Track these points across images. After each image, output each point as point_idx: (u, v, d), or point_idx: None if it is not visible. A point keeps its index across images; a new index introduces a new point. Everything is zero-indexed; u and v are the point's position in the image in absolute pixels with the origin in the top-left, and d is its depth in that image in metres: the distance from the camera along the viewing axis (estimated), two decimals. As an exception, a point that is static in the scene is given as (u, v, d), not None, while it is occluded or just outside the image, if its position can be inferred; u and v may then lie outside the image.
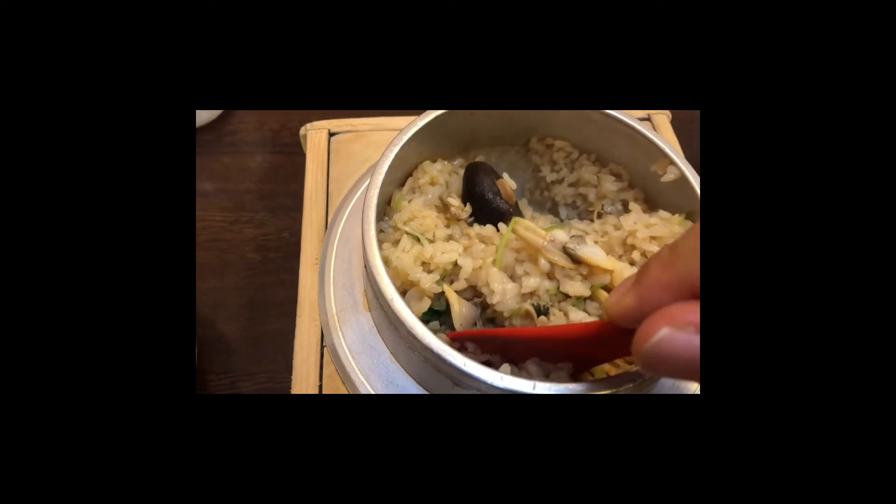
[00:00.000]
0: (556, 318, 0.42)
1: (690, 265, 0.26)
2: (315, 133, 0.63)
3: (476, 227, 0.48)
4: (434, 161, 0.53)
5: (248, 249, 0.73)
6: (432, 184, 0.51)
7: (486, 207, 0.49)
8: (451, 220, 0.48)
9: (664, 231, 0.46)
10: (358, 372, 0.47)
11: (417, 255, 0.44)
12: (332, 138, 0.63)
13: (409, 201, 0.49)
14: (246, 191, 0.77)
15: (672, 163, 0.48)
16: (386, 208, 0.51)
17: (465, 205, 0.50)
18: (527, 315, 0.42)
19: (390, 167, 0.46)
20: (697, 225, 0.27)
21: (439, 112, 0.48)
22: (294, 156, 0.79)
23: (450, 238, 0.47)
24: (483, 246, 0.46)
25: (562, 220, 0.55)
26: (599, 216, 0.53)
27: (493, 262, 0.44)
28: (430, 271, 0.44)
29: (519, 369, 0.42)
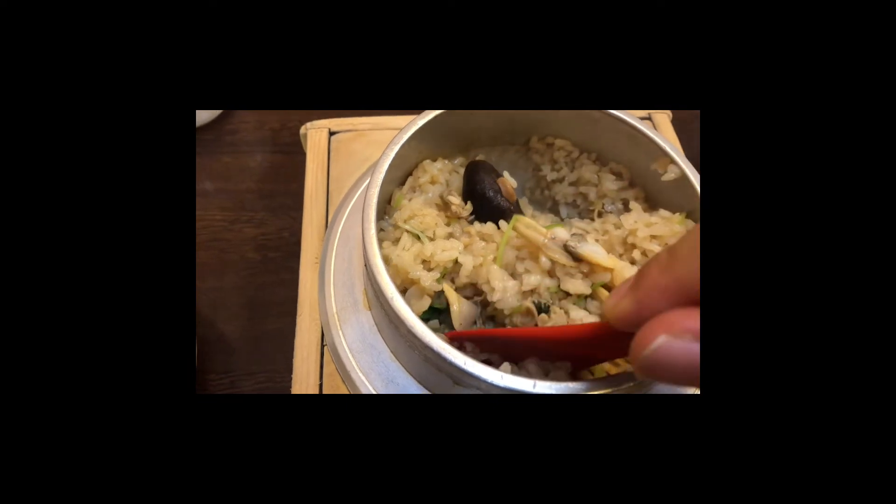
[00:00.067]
0: (557, 316, 0.42)
1: (689, 269, 0.25)
2: (315, 132, 0.63)
3: (477, 224, 0.48)
4: (434, 160, 0.53)
5: (248, 249, 0.73)
6: (433, 182, 0.51)
7: (486, 205, 0.49)
8: (452, 218, 0.48)
9: (665, 230, 0.46)
10: (358, 371, 0.47)
11: (418, 254, 0.44)
12: (333, 137, 0.63)
13: (410, 200, 0.49)
14: (246, 190, 0.77)
15: (672, 161, 0.48)
16: (386, 207, 0.51)
17: (465, 203, 0.50)
18: (527, 313, 0.42)
19: (390, 166, 0.46)
20: (697, 227, 0.26)
21: (439, 111, 0.48)
22: (294, 155, 0.79)
23: (450, 236, 0.47)
24: (484, 244, 0.46)
25: (562, 219, 0.55)
26: (600, 215, 0.53)
27: (494, 260, 0.44)
28: (430, 269, 0.44)
29: (519, 368, 0.42)
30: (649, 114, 0.68)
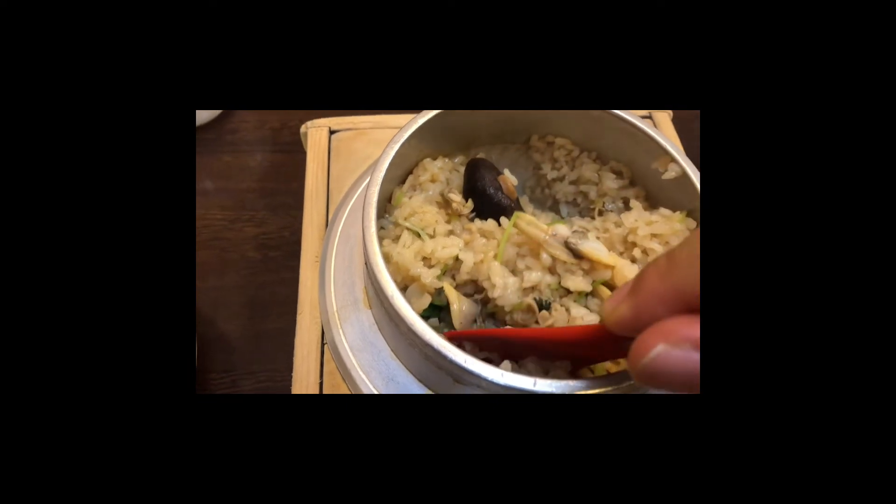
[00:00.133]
0: (558, 313, 0.42)
1: (688, 277, 0.25)
2: (316, 131, 0.63)
3: (477, 222, 0.48)
4: (434, 158, 0.53)
5: (248, 248, 0.73)
6: (433, 181, 0.51)
7: (487, 202, 0.49)
8: (453, 215, 0.48)
9: (665, 228, 0.46)
10: (358, 369, 0.47)
11: (418, 251, 0.44)
12: (333, 136, 0.63)
13: (410, 198, 0.49)
14: (246, 189, 0.77)
15: (673, 160, 0.48)
16: (386, 206, 0.51)
17: (466, 201, 0.50)
18: (528, 309, 0.42)
19: (391, 164, 0.46)
20: (697, 233, 0.26)
21: (439, 110, 0.48)
22: (295, 154, 0.79)
23: (450, 233, 0.47)
24: (484, 240, 0.46)
25: (563, 218, 0.55)
26: (600, 214, 0.53)
27: (495, 257, 0.44)
28: (430, 266, 0.44)
29: (518, 366, 0.42)
30: (650, 112, 0.68)
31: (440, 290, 0.44)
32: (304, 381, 0.48)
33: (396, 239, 0.46)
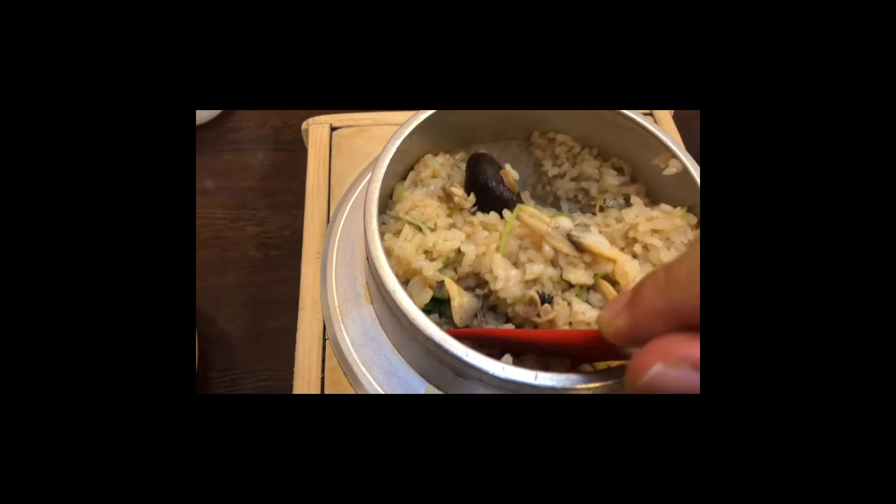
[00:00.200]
0: (560, 307, 0.41)
1: (686, 295, 0.25)
2: (317, 128, 0.63)
3: (479, 214, 0.48)
4: (436, 155, 0.53)
5: (249, 247, 0.73)
6: (434, 177, 0.51)
7: (489, 195, 0.49)
8: (455, 209, 0.48)
9: (666, 224, 0.46)
10: (360, 364, 0.47)
11: (420, 244, 0.44)
12: (334, 133, 0.63)
13: (411, 193, 0.49)
14: (247, 188, 0.77)
15: (674, 156, 0.48)
16: (388, 202, 0.51)
17: (468, 195, 0.50)
18: (530, 302, 0.42)
19: (392, 160, 0.46)
20: (697, 247, 0.26)
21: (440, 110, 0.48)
22: (295, 153, 0.79)
23: (452, 227, 0.47)
24: (486, 233, 0.46)
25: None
26: (601, 210, 0.53)
27: (497, 249, 0.44)
28: (432, 259, 0.44)
29: (520, 360, 0.42)
30: (650, 110, 0.68)
31: (442, 284, 0.44)
32: (305, 377, 0.48)
33: (398, 233, 0.46)
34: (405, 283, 0.44)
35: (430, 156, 0.53)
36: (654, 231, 0.46)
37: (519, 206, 0.45)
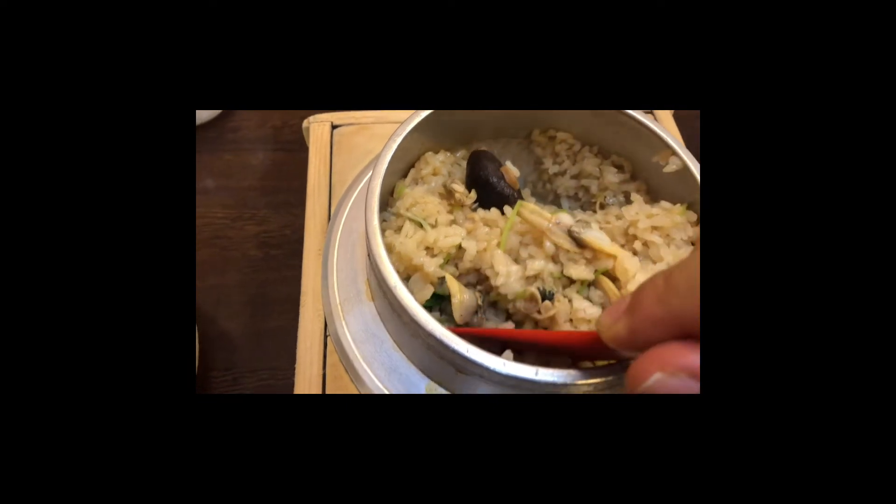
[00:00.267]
0: (560, 304, 0.42)
1: (685, 304, 0.25)
2: (318, 126, 0.63)
3: (480, 211, 0.48)
4: (436, 152, 0.54)
5: (250, 246, 0.73)
6: (435, 174, 0.51)
7: (490, 191, 0.49)
8: (455, 206, 0.49)
9: (666, 221, 0.46)
10: (361, 360, 0.47)
11: (421, 241, 0.44)
12: (335, 131, 0.63)
13: (412, 190, 0.49)
14: (248, 188, 0.77)
15: (674, 153, 0.48)
16: (389, 199, 0.51)
17: (469, 191, 0.50)
18: (531, 298, 0.42)
19: (393, 158, 0.46)
20: (696, 254, 0.26)
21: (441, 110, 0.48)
22: (296, 153, 0.79)
23: (452, 223, 0.47)
24: (487, 229, 0.46)
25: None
26: (602, 207, 0.53)
27: (498, 245, 0.44)
28: (433, 256, 0.44)
29: (521, 357, 0.42)
30: (650, 108, 0.68)
31: (443, 280, 0.44)
32: (307, 373, 0.49)
33: (398, 230, 0.46)
34: (406, 279, 0.44)
35: (430, 153, 0.53)
36: (654, 228, 0.46)
37: (520, 202, 0.45)
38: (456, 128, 0.53)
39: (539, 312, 0.42)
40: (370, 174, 0.45)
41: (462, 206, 0.49)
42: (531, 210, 0.44)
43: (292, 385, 0.49)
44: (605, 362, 0.42)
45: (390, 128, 0.50)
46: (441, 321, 0.42)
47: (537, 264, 0.43)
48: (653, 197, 0.53)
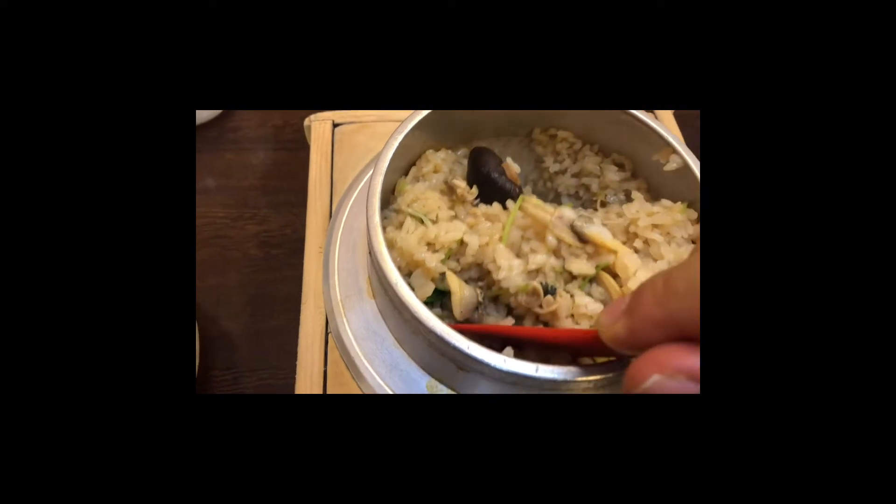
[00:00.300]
0: (562, 299, 0.42)
1: (684, 307, 0.25)
2: (319, 124, 0.63)
3: (482, 206, 0.48)
4: (437, 150, 0.54)
5: (250, 246, 0.73)
6: (436, 171, 0.52)
7: (492, 186, 0.49)
8: (457, 202, 0.49)
9: (666, 219, 0.46)
10: (362, 357, 0.47)
11: (422, 236, 0.44)
12: (336, 129, 0.63)
13: (413, 186, 0.49)
14: (248, 187, 0.77)
15: (675, 151, 0.48)
16: (390, 197, 0.51)
17: (470, 187, 0.50)
18: (533, 293, 0.42)
19: (394, 156, 0.46)
20: (696, 256, 0.26)
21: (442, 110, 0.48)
22: (297, 152, 0.79)
23: (454, 219, 0.47)
24: (489, 224, 0.46)
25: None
26: (603, 206, 0.53)
27: (500, 239, 0.44)
28: (435, 251, 0.44)
29: (521, 353, 0.42)
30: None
31: (444, 275, 0.44)
32: (308, 370, 0.49)
33: (400, 226, 0.46)
34: (408, 275, 0.44)
35: (431, 151, 0.53)
36: (655, 226, 0.46)
37: (522, 196, 0.45)
38: (457, 126, 0.53)
39: (541, 307, 0.42)
40: (371, 172, 0.45)
41: (464, 201, 0.49)
42: (534, 204, 0.44)
43: (292, 384, 0.49)
44: (605, 359, 0.42)
45: (391, 126, 0.50)
46: (442, 317, 0.43)
47: (539, 258, 0.43)
48: (653, 195, 0.53)
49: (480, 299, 0.44)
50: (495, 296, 0.45)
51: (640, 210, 0.47)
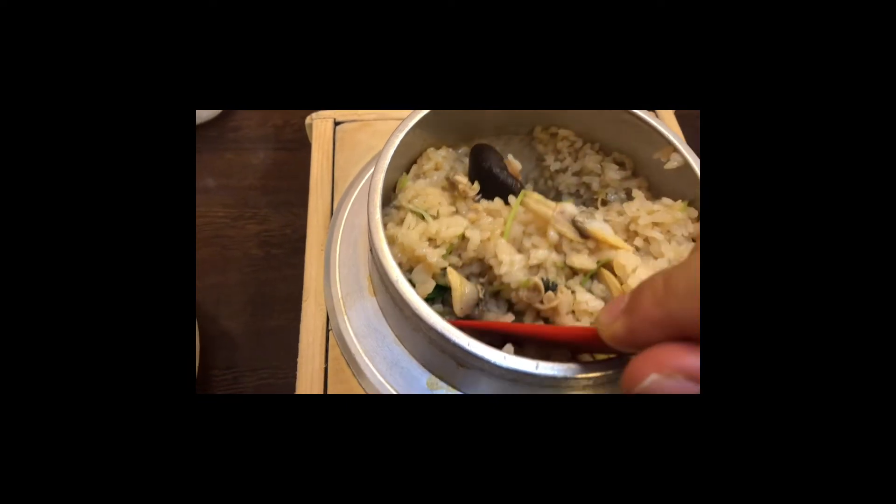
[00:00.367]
0: (563, 295, 0.42)
1: (684, 308, 0.25)
2: (320, 122, 0.63)
3: (484, 201, 0.48)
4: (438, 148, 0.54)
5: (251, 245, 0.73)
6: (437, 169, 0.52)
7: (493, 182, 0.49)
8: (459, 198, 0.49)
9: (667, 217, 0.46)
10: (363, 354, 0.47)
11: (423, 232, 0.44)
12: (338, 127, 0.63)
13: (414, 183, 0.49)
14: (249, 187, 0.78)
15: (675, 150, 0.48)
16: (391, 194, 0.51)
17: (472, 183, 0.50)
18: (534, 288, 0.42)
19: (395, 154, 0.46)
20: (696, 256, 0.26)
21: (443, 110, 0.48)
22: (297, 152, 0.80)
23: (455, 214, 0.47)
24: (491, 219, 0.46)
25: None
26: (603, 204, 0.53)
27: (502, 234, 0.44)
28: (436, 246, 0.44)
29: (521, 350, 0.42)
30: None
31: (445, 270, 0.44)
32: (308, 367, 0.49)
33: (401, 222, 0.46)
34: (409, 271, 0.44)
35: (432, 149, 0.53)
36: (655, 224, 0.46)
37: (524, 191, 0.45)
38: (458, 124, 0.53)
39: (541, 303, 0.42)
40: (373, 170, 0.45)
41: (465, 197, 0.49)
42: (536, 199, 0.44)
43: (293, 384, 0.49)
44: (604, 356, 0.42)
45: (393, 124, 0.50)
46: (443, 313, 0.43)
47: (540, 254, 0.43)
48: (654, 194, 0.53)
49: (481, 295, 0.44)
50: (496, 291, 0.45)
51: (641, 208, 0.47)
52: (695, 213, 0.47)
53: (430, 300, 0.43)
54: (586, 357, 0.42)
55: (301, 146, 0.78)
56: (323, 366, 0.49)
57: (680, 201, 0.47)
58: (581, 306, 0.42)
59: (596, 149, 0.55)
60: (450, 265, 0.44)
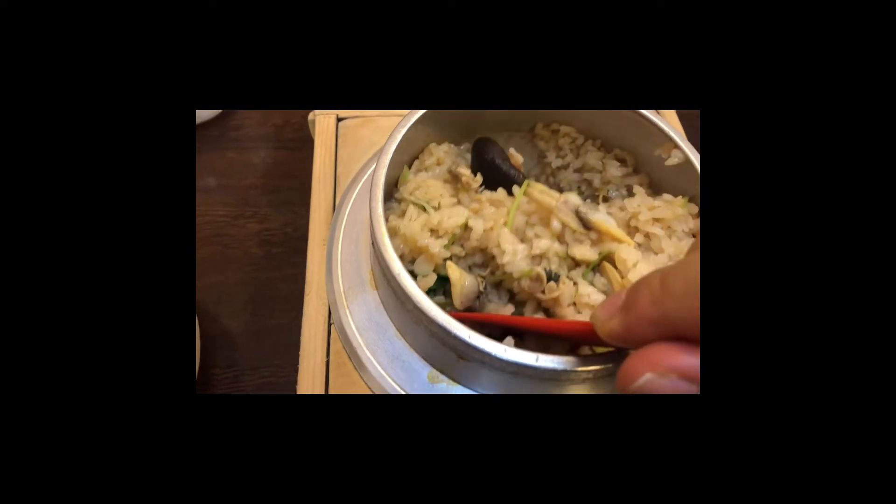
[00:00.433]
0: (565, 287, 0.42)
1: (681, 305, 0.25)
2: (323, 118, 0.63)
3: (487, 192, 0.48)
4: (440, 143, 0.54)
5: (251, 244, 0.73)
6: (439, 164, 0.52)
7: (496, 173, 0.49)
8: (461, 190, 0.49)
9: (667, 213, 0.46)
10: (364, 348, 0.47)
11: (425, 223, 0.44)
12: (341, 123, 0.64)
13: (416, 176, 0.50)
14: (249, 186, 0.78)
15: (676, 146, 0.48)
16: (393, 190, 0.52)
17: (475, 175, 0.50)
18: (536, 278, 0.42)
19: (397, 149, 0.46)
20: (696, 256, 0.26)
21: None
22: (298, 151, 0.80)
23: (457, 205, 0.47)
24: (494, 209, 0.46)
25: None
26: (605, 200, 0.53)
27: (505, 224, 0.44)
28: (438, 237, 0.44)
29: (521, 342, 0.42)
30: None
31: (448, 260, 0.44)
32: (311, 361, 0.49)
33: (402, 214, 0.47)
34: (411, 261, 0.45)
35: (434, 144, 0.53)
36: (656, 220, 0.46)
37: (527, 181, 0.46)
38: (460, 121, 0.54)
39: (543, 293, 0.42)
40: (375, 165, 0.45)
41: (468, 189, 0.49)
42: (540, 189, 0.44)
43: (293, 382, 0.49)
44: (604, 349, 0.42)
45: (395, 121, 0.50)
46: (445, 304, 0.43)
47: (543, 243, 0.43)
48: (655, 190, 0.53)
49: (482, 288, 0.44)
50: (498, 281, 0.45)
51: (642, 204, 0.47)
52: (695, 208, 0.47)
53: (431, 291, 0.43)
54: (586, 350, 0.42)
55: (302, 145, 0.78)
56: (325, 359, 0.49)
57: (680, 197, 0.48)
58: (582, 299, 0.42)
59: (597, 145, 0.56)
60: (452, 255, 0.44)
